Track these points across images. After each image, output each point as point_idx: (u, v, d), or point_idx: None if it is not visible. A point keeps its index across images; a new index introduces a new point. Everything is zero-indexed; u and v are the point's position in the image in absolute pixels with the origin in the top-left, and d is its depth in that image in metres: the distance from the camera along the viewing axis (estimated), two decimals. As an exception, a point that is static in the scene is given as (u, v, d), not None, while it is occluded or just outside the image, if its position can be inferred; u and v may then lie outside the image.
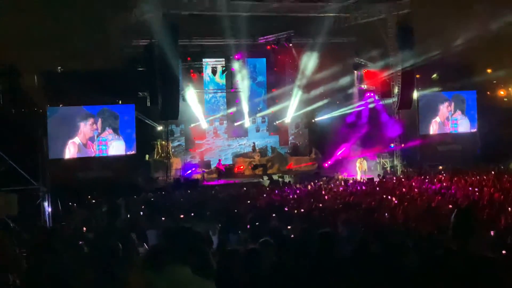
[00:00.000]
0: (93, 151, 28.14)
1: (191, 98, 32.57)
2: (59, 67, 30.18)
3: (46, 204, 18.67)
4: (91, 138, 28.03)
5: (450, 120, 34.12)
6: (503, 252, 8.01)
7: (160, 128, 31.75)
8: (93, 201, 22.46)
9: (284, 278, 5.55)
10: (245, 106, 34.28)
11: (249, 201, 19.70)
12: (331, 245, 6.03)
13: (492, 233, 10.27)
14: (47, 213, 18.61)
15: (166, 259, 4.39)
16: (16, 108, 25.93)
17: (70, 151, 27.46)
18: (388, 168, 32.41)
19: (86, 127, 27.87)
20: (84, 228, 14.05)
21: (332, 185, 24.83)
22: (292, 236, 9.64)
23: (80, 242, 9.07)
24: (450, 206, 14.71)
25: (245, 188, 25.77)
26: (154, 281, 4.12)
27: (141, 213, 17.45)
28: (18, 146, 20.10)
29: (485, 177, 22.49)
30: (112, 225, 7.33)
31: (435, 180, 23.39)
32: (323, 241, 6.03)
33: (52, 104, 27.43)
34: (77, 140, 27.61)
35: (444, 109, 33.98)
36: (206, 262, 5.48)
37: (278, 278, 5.52)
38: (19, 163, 19.41)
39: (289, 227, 11.97)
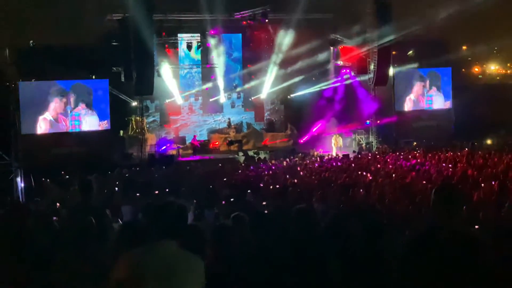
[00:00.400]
0: (66, 126, 27.79)
1: (166, 73, 32.29)
2: (31, 42, 29.71)
3: (18, 179, 18.54)
4: (64, 113, 27.66)
5: (425, 96, 34.25)
6: (476, 227, 8.07)
7: (134, 103, 31.49)
8: (67, 177, 22.26)
9: (258, 255, 5.52)
10: (220, 82, 34.11)
11: (224, 178, 19.67)
12: (308, 221, 6.00)
13: (464, 208, 10.33)
14: (20, 188, 18.47)
15: (150, 234, 4.33)
16: (-13, 83, 25.52)
17: (41, 127, 27.10)
18: (364, 145, 32.59)
19: (58, 103, 27.50)
20: (58, 204, 13.95)
21: (308, 161, 24.91)
22: (267, 212, 9.63)
23: (54, 218, 8.99)
24: (424, 182, 14.82)
25: (220, 164, 25.75)
26: (144, 257, 4.06)
27: (116, 189, 17.39)
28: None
29: (459, 154, 22.68)
30: (86, 201, 7.21)
31: (410, 156, 23.55)
32: (301, 217, 6.00)
33: (24, 79, 27.02)
34: (47, 115, 27.20)
35: (419, 85, 34.10)
36: (196, 237, 5.43)
37: (251, 254, 5.49)
38: (-9, 138, 19.23)
39: (264, 203, 11.99)
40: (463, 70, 36.99)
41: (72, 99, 27.77)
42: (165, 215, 4.32)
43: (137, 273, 3.95)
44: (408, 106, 33.95)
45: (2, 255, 6.12)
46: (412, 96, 33.94)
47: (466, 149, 24.52)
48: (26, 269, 5.61)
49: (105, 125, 28.39)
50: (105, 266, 4.83)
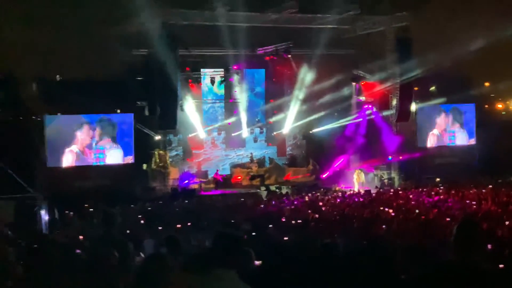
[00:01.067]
0: (91, 159, 28.04)
1: (189, 108, 32.57)
2: (57, 76, 30.18)
3: (43, 212, 18.68)
4: (89, 146, 27.95)
5: (448, 132, 34.10)
6: (501, 266, 7.99)
7: (158, 137, 31.73)
8: (90, 209, 22.42)
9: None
10: (243, 117, 34.24)
11: (246, 212, 19.68)
12: (332, 256, 6.03)
13: (489, 246, 10.26)
14: (43, 221, 18.61)
15: (212, 263, 4.38)
16: (14, 116, 25.92)
17: (68, 160, 27.38)
18: (386, 180, 32.41)
19: (83, 135, 27.80)
20: (81, 237, 14.05)
21: (330, 197, 24.83)
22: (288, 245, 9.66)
23: (77, 251, 9.08)
24: (448, 219, 14.71)
25: (242, 199, 25.76)
26: (198, 284, 4.11)
27: (140, 222, 17.47)
28: (16, 154, 20.10)
29: (482, 190, 22.49)
30: (108, 234, 7.29)
31: (432, 192, 23.39)
32: (325, 252, 6.04)
33: (50, 112, 27.39)
34: (74, 148, 27.52)
35: (442, 121, 33.94)
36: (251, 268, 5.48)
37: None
38: (17, 170, 19.43)
39: (285, 237, 11.99)
40: (486, 106, 36.78)
41: (97, 132, 28.06)
42: (227, 246, 4.38)
43: None
44: (431, 141, 33.76)
45: (27, 286, 6.21)
46: (435, 131, 33.79)
47: (490, 186, 24.33)
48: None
49: (129, 160, 28.59)
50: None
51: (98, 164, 28.14)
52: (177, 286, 4.32)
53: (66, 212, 21.32)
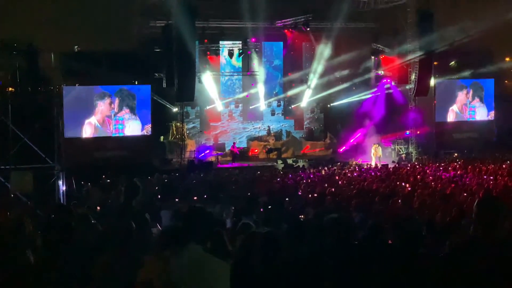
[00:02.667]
0: (110, 130, 28.09)
1: (207, 80, 32.59)
2: (76, 47, 30.23)
3: (60, 182, 18.82)
4: (109, 117, 27.97)
5: (468, 107, 33.84)
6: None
7: (175, 109, 31.82)
8: (108, 180, 22.57)
9: (299, 265, 5.55)
10: (261, 89, 34.19)
11: (263, 185, 19.72)
12: (345, 231, 6.01)
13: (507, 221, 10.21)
14: (61, 191, 18.76)
15: (182, 239, 4.41)
16: (32, 87, 26.01)
17: (87, 132, 27.44)
18: (403, 155, 32.32)
19: (103, 106, 27.81)
20: (98, 208, 14.18)
21: (346, 171, 24.80)
22: (304, 220, 9.66)
23: (94, 221, 9.15)
24: (465, 194, 14.64)
25: (259, 172, 25.80)
26: (171, 260, 4.15)
27: (157, 194, 17.57)
28: (35, 125, 20.19)
29: (503, 166, 22.36)
30: (129, 205, 7.33)
31: (450, 167, 23.30)
32: (337, 227, 6.02)
33: (68, 83, 27.46)
34: (93, 120, 27.56)
35: (463, 96, 33.69)
36: (221, 243, 5.50)
37: (294, 264, 5.52)
38: (35, 141, 19.56)
39: (301, 211, 12.02)
40: (506, 81, 36.41)
41: (116, 103, 28.06)
42: (193, 221, 4.41)
43: (164, 275, 4.05)
44: (451, 117, 33.55)
45: (46, 256, 6.27)
46: (455, 107, 33.54)
47: (508, 161, 24.17)
48: (70, 270, 5.75)
49: (148, 129, 28.59)
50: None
51: (117, 135, 28.20)
52: (151, 264, 4.35)
53: (83, 183, 21.48)
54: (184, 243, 4.30)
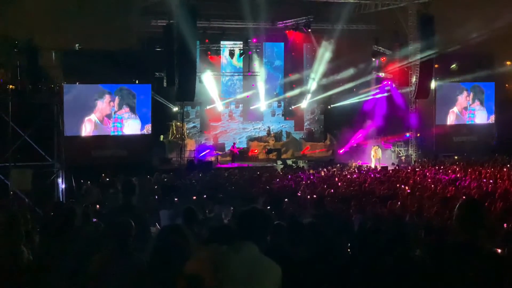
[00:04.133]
0: (109, 128, 28.01)
1: (208, 80, 32.60)
2: (77, 45, 30.20)
3: (60, 180, 18.84)
4: (108, 115, 27.88)
5: (468, 110, 33.84)
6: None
7: (175, 109, 31.78)
8: (107, 179, 22.56)
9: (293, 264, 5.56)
10: (261, 90, 34.21)
11: (262, 185, 19.71)
12: (345, 233, 6.02)
13: (505, 226, 10.21)
14: (60, 189, 18.77)
15: (236, 235, 4.44)
16: (33, 85, 26.00)
17: (87, 129, 27.35)
18: (403, 157, 32.32)
19: (103, 104, 27.74)
20: (97, 206, 14.18)
21: (346, 172, 24.79)
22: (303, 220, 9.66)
23: (94, 220, 9.15)
24: (464, 197, 14.63)
25: (258, 172, 25.79)
26: (230, 255, 4.18)
27: (156, 193, 17.55)
28: (35, 123, 20.20)
29: (501, 169, 22.35)
30: (127, 203, 7.33)
31: (449, 170, 23.30)
32: (339, 228, 6.04)
33: (69, 81, 27.42)
34: (93, 117, 27.48)
35: (463, 99, 33.69)
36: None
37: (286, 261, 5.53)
38: (35, 139, 19.58)
39: (300, 212, 12.02)
40: (507, 85, 36.38)
41: (116, 101, 28.01)
42: (251, 221, 4.41)
43: (221, 269, 4.08)
44: (450, 119, 33.55)
45: (43, 254, 6.28)
46: (455, 109, 33.53)
47: (508, 165, 24.16)
48: (68, 267, 5.75)
49: (148, 128, 28.53)
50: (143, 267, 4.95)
51: (116, 133, 28.13)
52: (198, 258, 4.36)
53: (82, 181, 21.46)
54: (237, 239, 4.33)
